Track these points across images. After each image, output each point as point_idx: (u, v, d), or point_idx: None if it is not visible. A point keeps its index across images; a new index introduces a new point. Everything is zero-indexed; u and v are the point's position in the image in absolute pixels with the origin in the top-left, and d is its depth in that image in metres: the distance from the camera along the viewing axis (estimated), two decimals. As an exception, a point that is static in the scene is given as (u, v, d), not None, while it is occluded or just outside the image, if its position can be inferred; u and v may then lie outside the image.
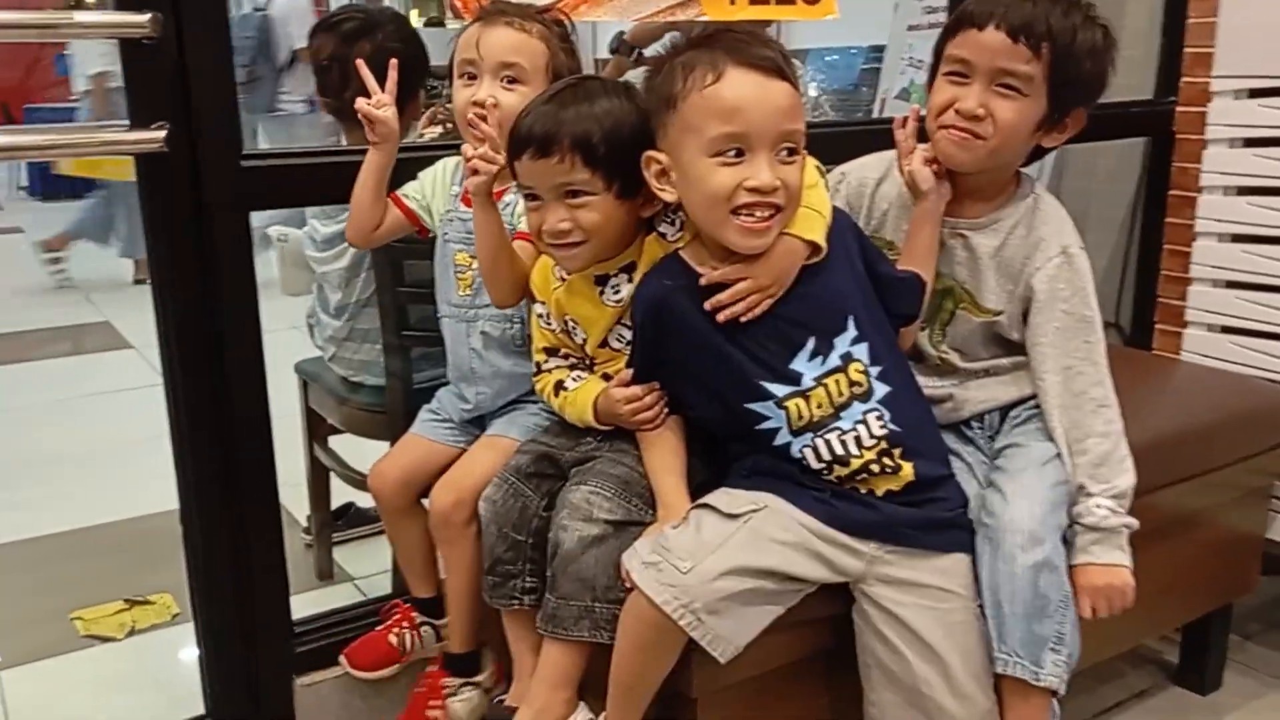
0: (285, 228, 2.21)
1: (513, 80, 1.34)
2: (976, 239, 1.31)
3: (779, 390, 1.15)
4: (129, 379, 3.86)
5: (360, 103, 1.35)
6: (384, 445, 1.95)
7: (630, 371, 1.22)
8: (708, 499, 1.18)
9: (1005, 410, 1.35)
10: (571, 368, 1.31)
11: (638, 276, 1.22)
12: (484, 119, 1.30)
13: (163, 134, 1.31)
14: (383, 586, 2.22)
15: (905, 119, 1.32)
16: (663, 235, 1.23)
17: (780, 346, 1.15)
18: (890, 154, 1.36)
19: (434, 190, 1.46)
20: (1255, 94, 1.91)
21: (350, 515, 2.47)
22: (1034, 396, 1.32)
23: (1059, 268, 1.27)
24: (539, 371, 1.34)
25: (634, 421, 1.22)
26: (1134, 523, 1.23)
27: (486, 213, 1.27)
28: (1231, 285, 1.97)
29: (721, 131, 1.08)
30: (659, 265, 1.21)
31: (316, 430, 2.18)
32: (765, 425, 1.16)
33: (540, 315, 1.33)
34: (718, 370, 1.17)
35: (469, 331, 1.44)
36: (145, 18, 1.27)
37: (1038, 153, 1.33)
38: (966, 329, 1.34)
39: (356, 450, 2.17)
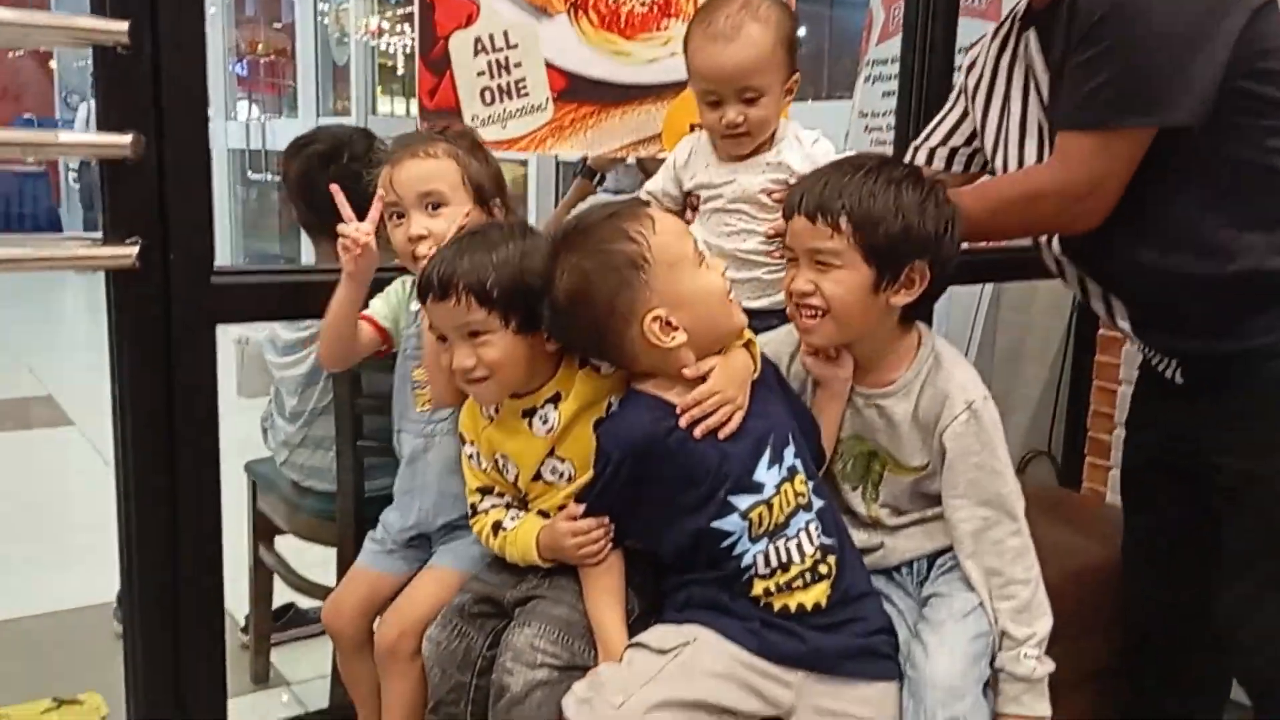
0: (247, 331, 2.23)
1: (435, 205, 1.38)
2: (890, 405, 1.35)
3: (744, 502, 1.21)
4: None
5: (343, 230, 1.37)
6: (328, 551, 1.98)
7: (580, 507, 1.25)
8: (641, 637, 1.21)
9: (932, 558, 1.39)
10: (507, 506, 1.34)
11: (564, 408, 1.27)
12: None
13: (135, 250, 1.35)
14: (318, 691, 2.20)
15: None
16: (596, 369, 1.29)
17: (747, 457, 1.22)
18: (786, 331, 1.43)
19: (399, 309, 1.50)
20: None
21: (290, 616, 2.46)
22: None
23: (966, 424, 1.31)
24: (474, 513, 1.36)
25: (579, 555, 1.25)
26: (1053, 666, 1.28)
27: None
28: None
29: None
30: (631, 406, 1.25)
31: (262, 531, 2.18)
32: (726, 542, 1.21)
33: (470, 456, 1.36)
34: (689, 496, 1.21)
35: (426, 446, 1.47)
36: (127, 139, 1.32)
37: (913, 311, 1.35)
38: (897, 488, 1.38)
39: (301, 554, 2.17)
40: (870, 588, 1.30)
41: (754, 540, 1.21)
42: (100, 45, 1.32)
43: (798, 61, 1.48)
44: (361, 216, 1.39)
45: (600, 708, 1.12)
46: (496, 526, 1.33)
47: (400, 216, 1.40)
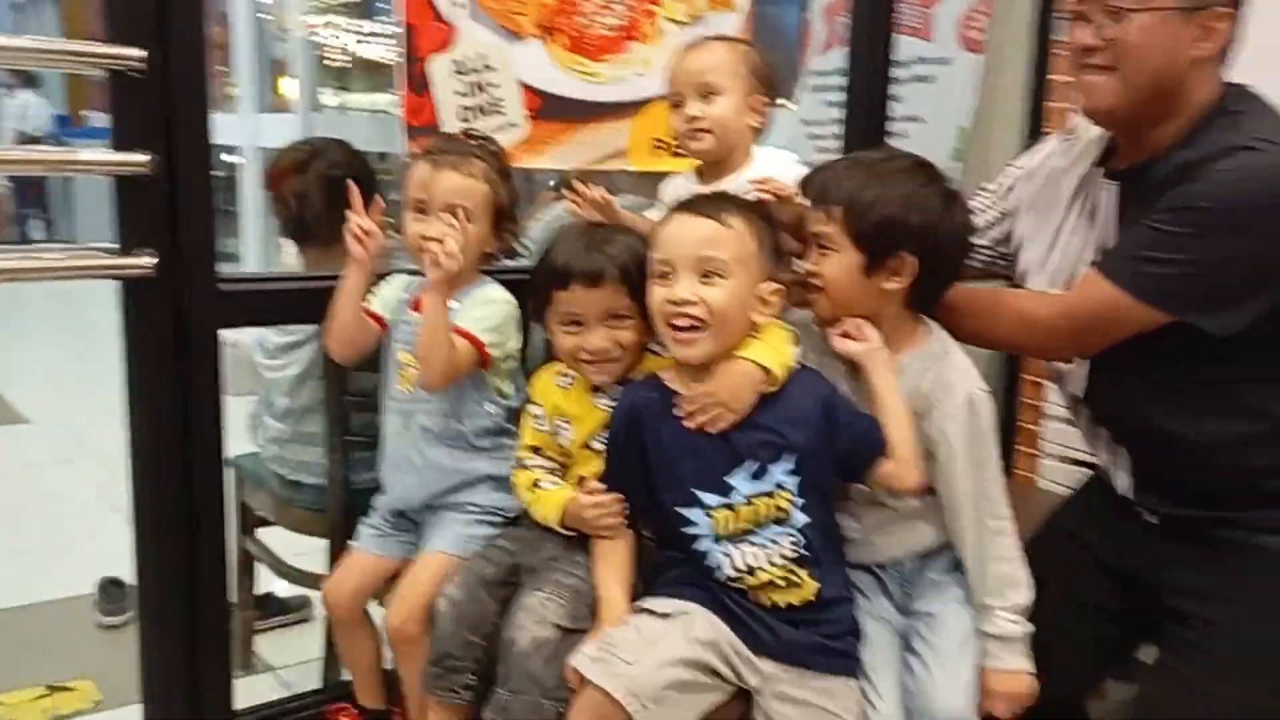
0: (235, 335, 2.33)
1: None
2: None
3: (710, 499, 1.34)
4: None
5: (355, 219, 1.51)
6: (311, 541, 2.09)
7: (601, 485, 1.41)
8: (642, 603, 1.36)
9: (920, 560, 1.47)
10: (550, 471, 1.50)
11: None
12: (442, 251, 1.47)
13: (155, 260, 1.46)
14: (301, 674, 2.31)
15: None
16: (655, 352, 1.46)
17: (724, 462, 1.34)
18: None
19: (393, 302, 1.63)
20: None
21: (270, 604, 2.56)
22: (945, 547, 1.46)
23: (966, 414, 1.39)
24: (520, 466, 1.52)
25: (596, 526, 1.40)
26: (1032, 628, 1.40)
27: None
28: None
29: (656, 257, 1.35)
30: (640, 381, 1.43)
31: (245, 522, 2.28)
32: (690, 530, 1.34)
33: (535, 416, 1.52)
34: (663, 474, 1.36)
35: (408, 424, 1.60)
36: (145, 158, 1.43)
37: (918, 301, 1.43)
38: None
39: (282, 542, 2.28)
40: (846, 593, 1.40)
41: (718, 541, 1.34)
42: (115, 70, 1.43)
43: (767, 91, 1.61)
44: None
45: (616, 665, 1.26)
46: (535, 484, 1.48)
47: (423, 214, 1.53)
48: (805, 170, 1.59)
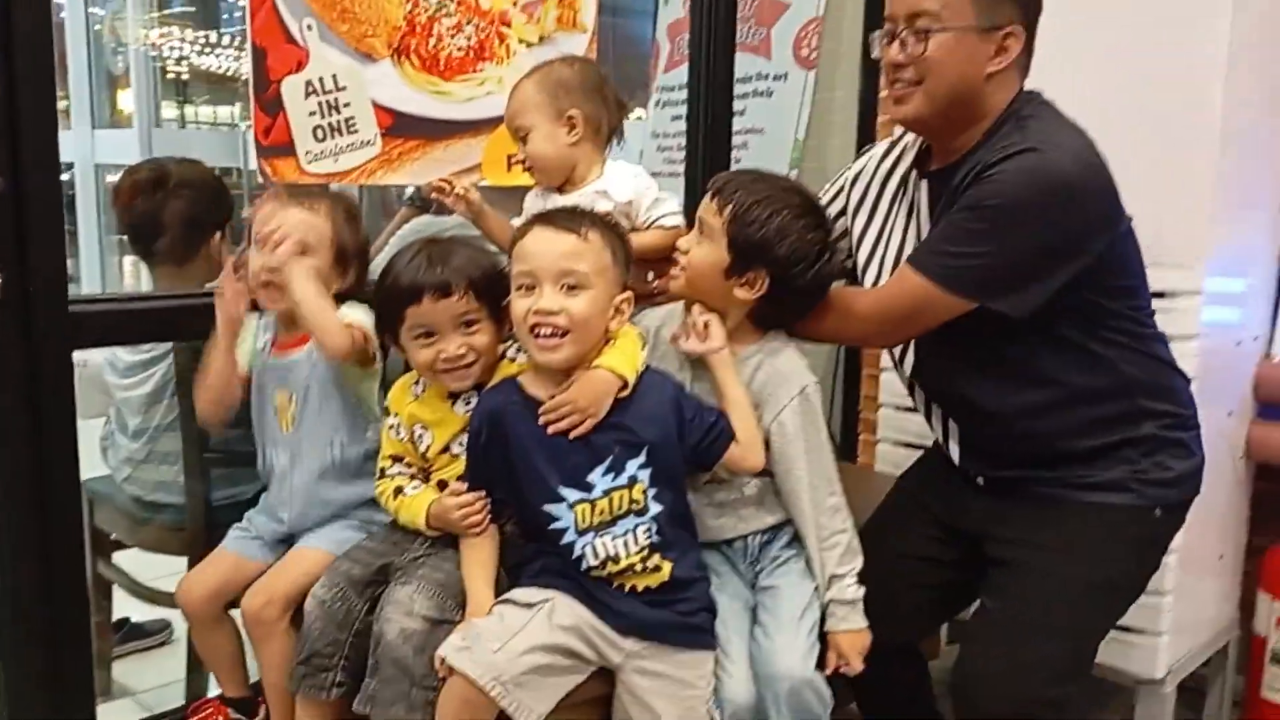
0: (84, 353, 2.28)
1: (301, 253, 1.56)
2: None
3: (572, 495, 1.41)
4: None
5: (224, 286, 1.56)
6: (169, 563, 2.07)
7: (464, 485, 1.47)
8: (507, 595, 1.43)
9: (762, 539, 1.59)
10: (411, 477, 1.56)
11: None
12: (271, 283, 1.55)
13: (0, 283, 1.45)
14: (163, 698, 2.28)
15: None
16: (512, 359, 1.53)
17: (583, 460, 1.42)
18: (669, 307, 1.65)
19: (251, 349, 1.66)
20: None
21: (126, 629, 2.51)
22: (784, 525, 1.59)
23: (800, 404, 1.53)
24: (382, 476, 1.57)
25: (463, 525, 1.46)
26: (864, 590, 1.55)
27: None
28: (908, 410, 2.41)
29: (518, 269, 1.42)
30: (497, 385, 1.49)
31: (100, 547, 2.24)
32: (556, 525, 1.42)
33: (392, 426, 1.56)
34: (526, 473, 1.43)
35: (294, 463, 1.63)
36: (-8, 179, 1.42)
37: (764, 315, 1.55)
38: None
39: (138, 565, 2.25)
40: (701, 573, 1.50)
41: (580, 533, 1.42)
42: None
43: (582, 102, 1.66)
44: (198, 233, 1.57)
45: (480, 653, 1.33)
46: (398, 491, 1.53)
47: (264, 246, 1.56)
48: (650, 183, 1.71)
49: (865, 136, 2.94)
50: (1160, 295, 1.89)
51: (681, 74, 3.10)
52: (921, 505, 1.77)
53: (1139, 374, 1.57)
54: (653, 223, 1.67)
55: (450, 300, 1.45)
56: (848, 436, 2.97)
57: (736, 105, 2.52)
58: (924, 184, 1.62)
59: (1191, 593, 2.11)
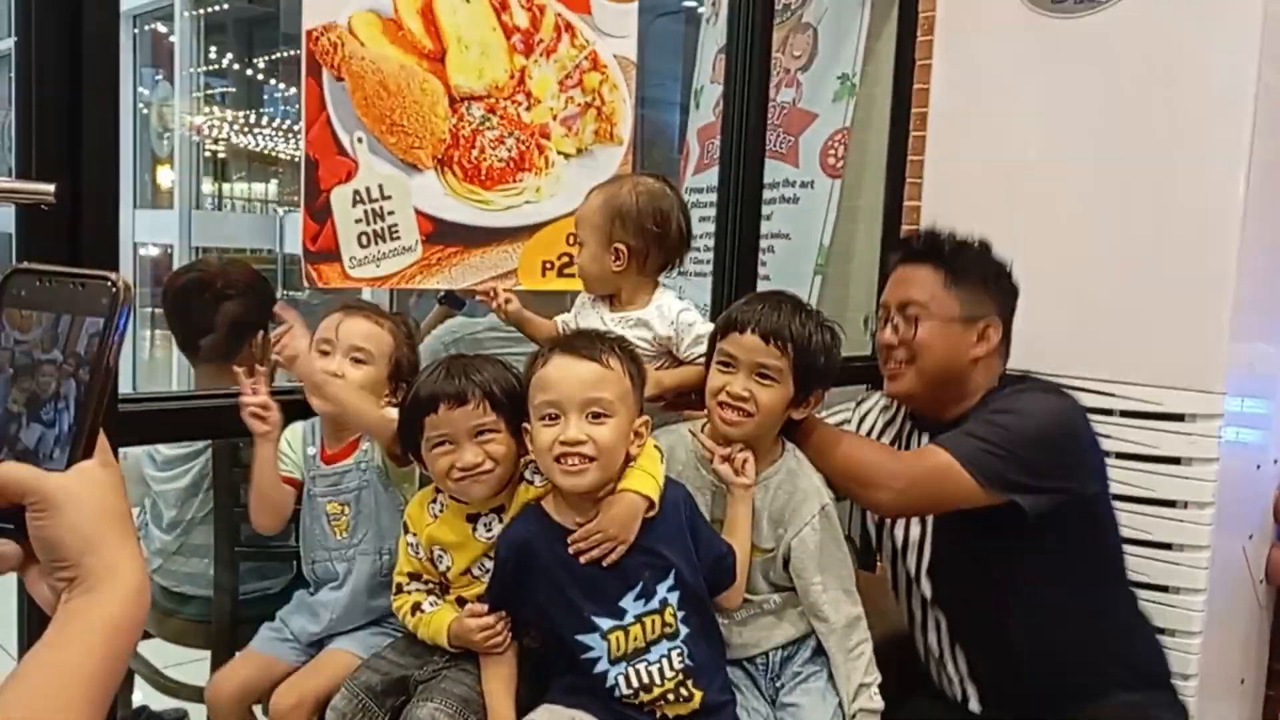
0: (124, 447, 2.33)
1: (359, 361, 1.64)
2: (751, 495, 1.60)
3: (605, 624, 1.42)
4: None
5: (246, 401, 1.60)
6: (193, 653, 2.09)
7: (484, 606, 1.48)
8: (533, 715, 1.44)
9: (783, 653, 1.62)
10: (429, 593, 1.57)
11: (507, 518, 1.52)
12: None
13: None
14: (177, 791, 2.27)
15: None
16: (530, 482, 1.54)
17: (614, 587, 1.43)
18: (678, 428, 1.69)
19: (299, 456, 1.71)
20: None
21: (145, 718, 2.50)
22: (805, 638, 1.61)
23: (821, 521, 1.58)
24: (399, 591, 1.58)
25: (484, 645, 1.47)
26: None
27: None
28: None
29: (541, 399, 1.42)
30: (523, 513, 1.50)
31: (124, 635, 2.25)
32: (589, 655, 1.43)
33: (410, 544, 1.58)
34: (558, 603, 1.44)
35: (350, 569, 1.66)
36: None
37: (790, 423, 1.62)
38: (751, 568, 1.61)
39: (158, 654, 2.26)
40: (729, 695, 1.51)
41: (613, 662, 1.43)
42: (25, 205, 1.49)
43: (629, 237, 1.73)
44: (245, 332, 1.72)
45: None
46: (416, 607, 1.55)
47: (326, 355, 1.64)
48: (693, 319, 1.75)
49: (889, 243, 3.00)
50: (1179, 418, 1.93)
51: (710, 177, 3.18)
52: None
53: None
54: (694, 360, 1.71)
55: (466, 409, 1.47)
56: (868, 547, 2.96)
57: (764, 210, 2.59)
58: (924, 436, 1.76)
59: (1213, 718, 2.09)
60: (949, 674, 1.79)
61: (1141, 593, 1.97)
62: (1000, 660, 1.72)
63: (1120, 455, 2.02)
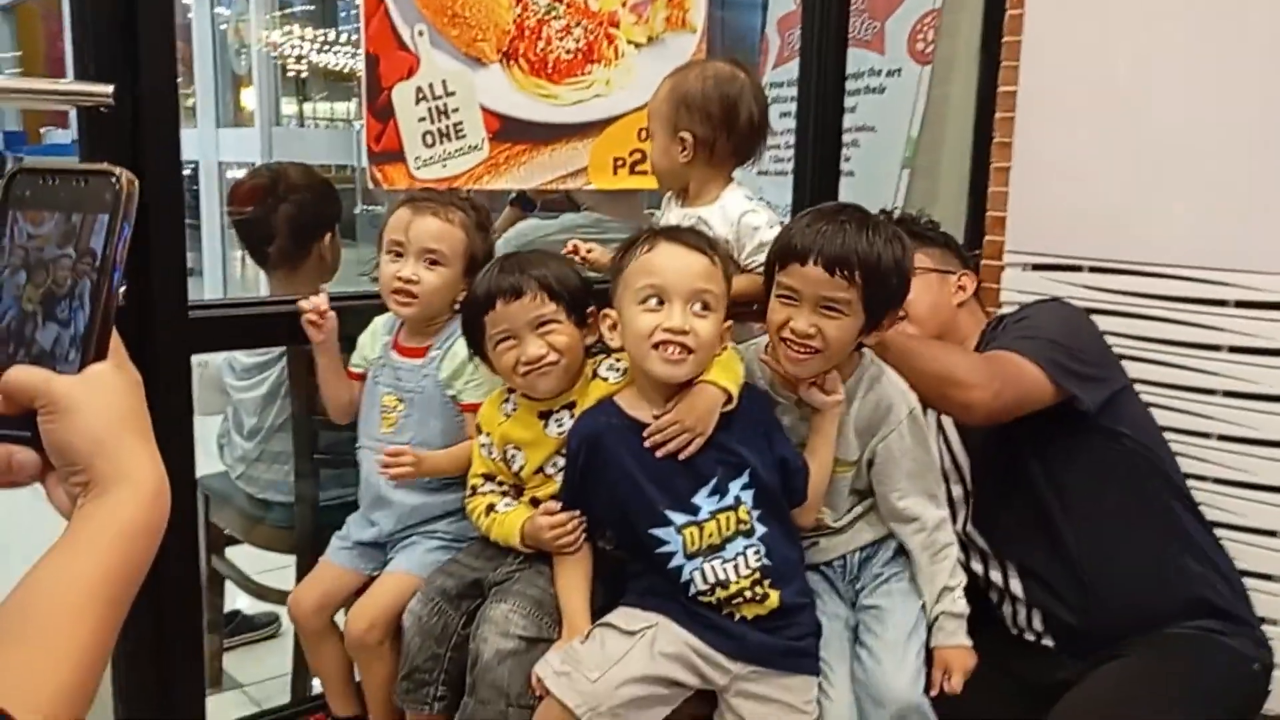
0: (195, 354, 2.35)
1: (434, 262, 1.58)
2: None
3: (679, 519, 1.39)
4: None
5: (303, 305, 1.59)
6: (278, 558, 2.12)
7: (557, 504, 1.46)
8: (609, 618, 1.41)
9: (861, 554, 1.57)
10: (503, 494, 1.54)
11: (577, 413, 1.48)
12: (407, 292, 1.57)
13: (123, 289, 1.48)
14: (270, 691, 2.34)
15: None
16: (605, 379, 1.50)
17: (687, 482, 1.39)
18: (746, 349, 1.58)
19: (371, 345, 1.68)
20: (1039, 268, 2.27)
21: (237, 621, 2.58)
22: (884, 540, 1.56)
23: (909, 426, 1.51)
24: (473, 494, 1.56)
25: (556, 545, 1.44)
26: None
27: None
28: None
29: (645, 282, 1.37)
30: (595, 406, 1.46)
31: (214, 542, 2.30)
32: (664, 549, 1.39)
33: (484, 445, 1.55)
34: (632, 497, 1.40)
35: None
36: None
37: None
38: (832, 483, 1.54)
39: (249, 559, 2.30)
40: (807, 598, 1.46)
41: (689, 557, 1.39)
42: (85, 106, 1.46)
43: (695, 124, 1.64)
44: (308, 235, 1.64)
45: (579, 681, 1.31)
46: (490, 508, 1.52)
47: (399, 256, 1.59)
48: (759, 222, 1.65)
49: (982, 133, 2.83)
50: (1248, 305, 1.80)
51: (791, 70, 3.04)
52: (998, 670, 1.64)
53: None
54: (756, 269, 1.61)
55: (523, 301, 1.44)
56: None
57: (847, 102, 2.46)
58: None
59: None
60: (1020, 620, 1.73)
61: (1251, 493, 1.88)
62: (1067, 598, 1.66)
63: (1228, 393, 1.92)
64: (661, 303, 1.36)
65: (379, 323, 1.69)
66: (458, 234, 1.59)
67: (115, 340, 0.65)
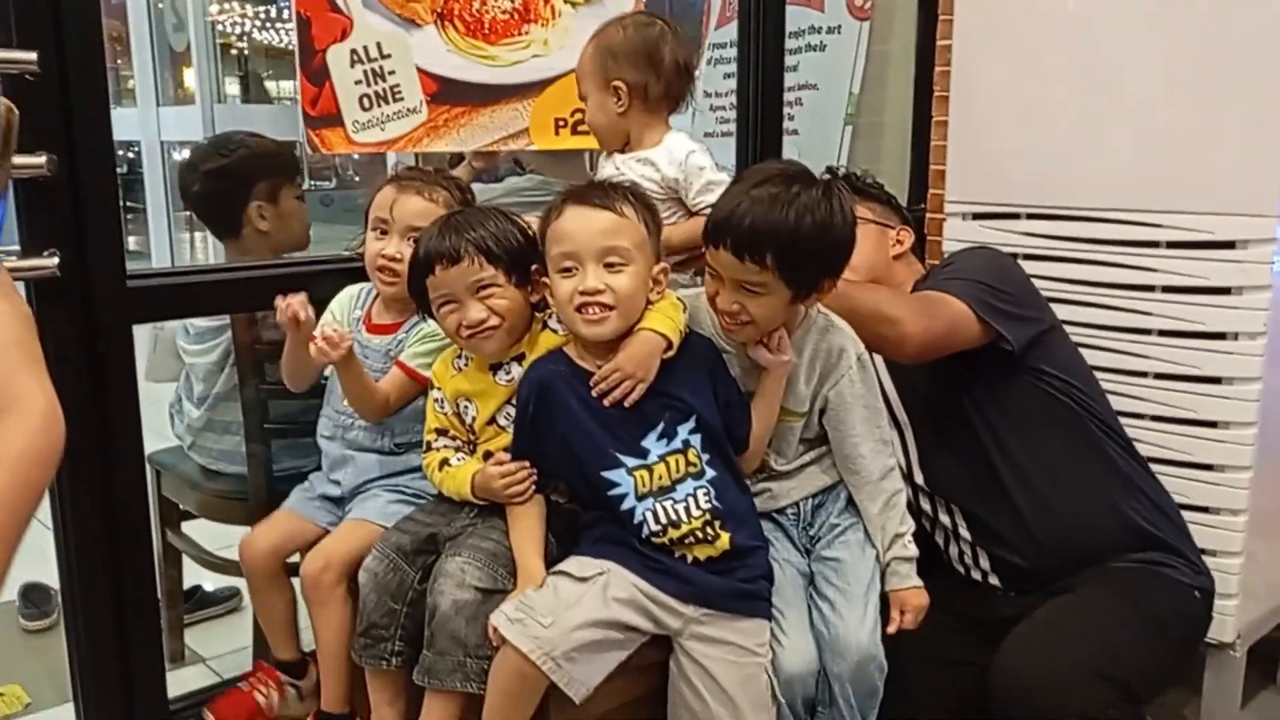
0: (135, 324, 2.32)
1: (418, 240, 1.56)
2: None
3: (630, 461, 1.42)
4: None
5: (280, 303, 1.55)
6: (239, 530, 2.11)
7: (507, 455, 1.48)
8: (562, 565, 1.43)
9: (813, 501, 1.60)
10: (456, 449, 1.56)
11: (526, 363, 1.50)
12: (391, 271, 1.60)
13: (57, 261, 1.47)
14: (232, 665, 2.34)
15: None
16: (554, 331, 1.52)
17: (636, 427, 1.42)
18: (698, 297, 1.59)
19: (343, 317, 1.70)
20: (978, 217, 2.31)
21: (197, 597, 2.57)
22: (834, 487, 1.59)
23: (859, 372, 1.55)
24: (428, 449, 1.57)
25: (506, 495, 1.46)
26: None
27: (347, 369, 1.55)
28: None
29: (557, 250, 1.40)
30: (545, 356, 1.49)
31: (168, 517, 2.29)
32: (616, 491, 1.42)
33: (436, 400, 1.57)
34: (582, 442, 1.43)
35: (345, 435, 1.67)
36: (42, 159, 1.44)
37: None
38: (784, 433, 1.58)
39: (208, 535, 2.29)
40: (760, 541, 1.49)
41: (640, 499, 1.42)
42: (9, 74, 1.43)
43: (623, 72, 1.66)
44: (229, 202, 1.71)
45: (533, 627, 1.33)
46: (443, 463, 1.54)
47: (384, 234, 1.63)
48: (704, 163, 1.67)
49: (923, 88, 2.85)
50: (1230, 245, 1.83)
51: (733, 30, 3.03)
52: (948, 610, 1.68)
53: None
54: (703, 209, 1.61)
55: (461, 266, 1.45)
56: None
57: (789, 60, 2.47)
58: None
59: (1263, 555, 2.04)
60: (967, 559, 1.79)
61: (1188, 429, 1.93)
62: (1009, 538, 1.73)
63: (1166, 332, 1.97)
64: (575, 268, 1.39)
65: (351, 292, 1.71)
66: (441, 212, 1.60)
67: (2, 272, 0.63)
